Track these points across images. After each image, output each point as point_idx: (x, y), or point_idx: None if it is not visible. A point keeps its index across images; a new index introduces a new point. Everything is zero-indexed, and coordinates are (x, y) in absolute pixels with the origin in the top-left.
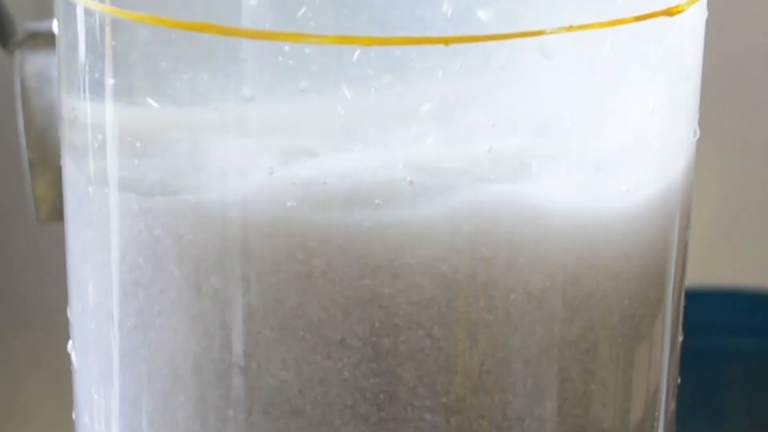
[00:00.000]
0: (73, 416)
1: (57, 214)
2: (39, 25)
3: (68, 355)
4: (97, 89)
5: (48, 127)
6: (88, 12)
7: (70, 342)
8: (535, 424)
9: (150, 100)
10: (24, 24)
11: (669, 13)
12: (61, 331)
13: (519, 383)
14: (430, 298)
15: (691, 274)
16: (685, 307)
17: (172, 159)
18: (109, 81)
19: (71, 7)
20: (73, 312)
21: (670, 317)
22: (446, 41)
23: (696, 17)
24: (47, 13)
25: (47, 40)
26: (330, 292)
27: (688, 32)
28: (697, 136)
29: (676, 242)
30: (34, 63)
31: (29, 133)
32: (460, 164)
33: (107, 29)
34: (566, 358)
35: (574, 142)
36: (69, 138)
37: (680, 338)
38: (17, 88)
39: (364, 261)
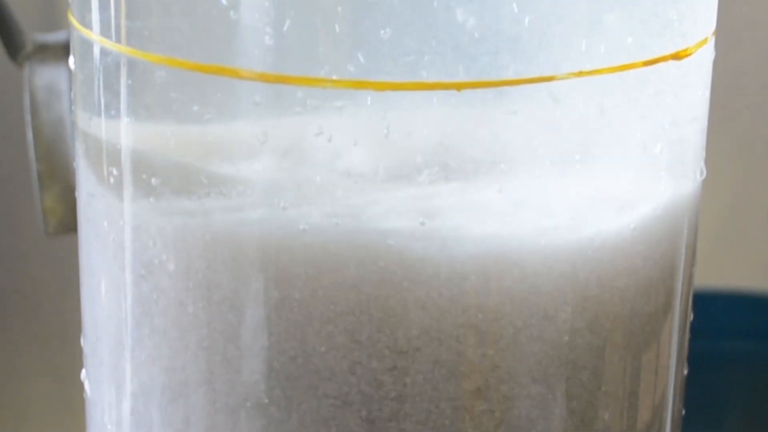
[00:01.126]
0: None
1: (65, 226)
2: (48, 37)
3: (73, 366)
4: (112, 126)
5: (57, 140)
6: (104, 51)
7: (83, 371)
8: None
9: (166, 133)
10: (33, 35)
11: (677, 56)
12: (66, 339)
13: (526, 403)
14: (436, 334)
15: (697, 277)
16: None
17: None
18: (125, 120)
19: (87, 45)
20: (87, 341)
21: (676, 340)
22: (458, 87)
23: (704, 59)
24: (55, 23)
25: (56, 52)
26: (336, 328)
27: (696, 74)
28: (704, 176)
29: (682, 275)
30: (43, 75)
31: (38, 145)
32: (470, 203)
33: (123, 68)
34: (573, 377)
35: (583, 179)
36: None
37: (685, 368)
38: (26, 100)
39: (373, 297)
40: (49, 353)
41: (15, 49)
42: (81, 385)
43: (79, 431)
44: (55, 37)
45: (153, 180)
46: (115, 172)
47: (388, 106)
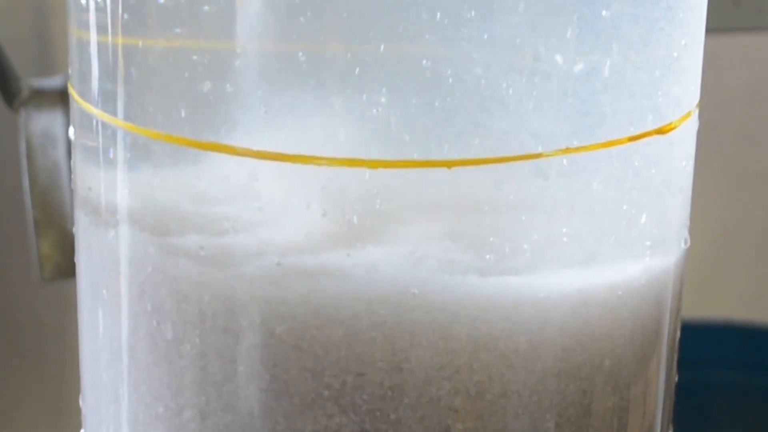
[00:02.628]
0: None
1: (61, 272)
2: (43, 83)
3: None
4: (111, 200)
5: (52, 187)
6: (104, 125)
7: (82, 431)
8: None
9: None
10: (28, 81)
11: (661, 131)
12: (64, 393)
13: None
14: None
15: (684, 308)
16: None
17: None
18: (123, 192)
19: (87, 117)
20: (86, 403)
21: (662, 389)
22: (449, 164)
23: (688, 131)
24: (50, 66)
25: (52, 98)
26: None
27: (680, 147)
28: (688, 245)
29: (666, 336)
30: (38, 122)
31: (34, 192)
32: (467, 260)
33: (120, 142)
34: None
35: (570, 249)
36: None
37: (671, 411)
38: (22, 147)
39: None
40: (47, 407)
41: (11, 95)
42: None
43: None
44: (50, 82)
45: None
46: (114, 233)
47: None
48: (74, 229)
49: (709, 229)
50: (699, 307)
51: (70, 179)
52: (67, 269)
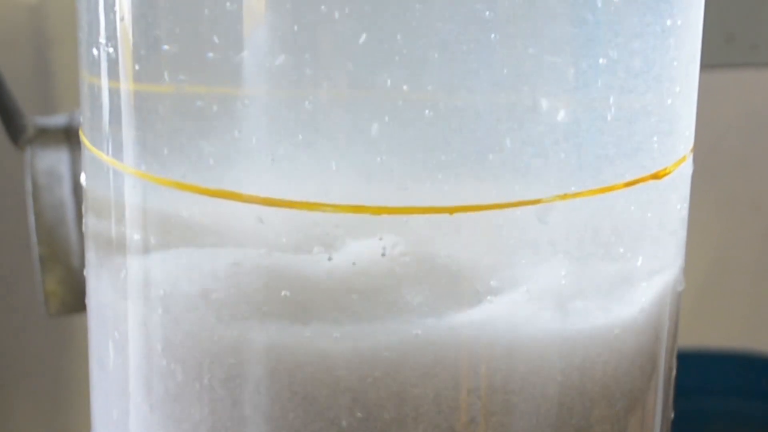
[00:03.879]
0: None
1: (67, 308)
2: (48, 121)
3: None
4: (121, 245)
5: (58, 223)
6: (116, 173)
7: None
8: None
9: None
10: (33, 120)
11: (657, 176)
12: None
13: None
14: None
15: (681, 336)
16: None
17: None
18: (134, 236)
19: (99, 164)
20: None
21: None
22: (450, 211)
23: (682, 175)
24: (52, 105)
25: (56, 136)
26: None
27: (674, 191)
28: (682, 288)
29: (662, 374)
30: (44, 160)
31: (40, 229)
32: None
33: (133, 190)
34: None
35: (568, 289)
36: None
37: None
38: (28, 184)
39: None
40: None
41: (16, 133)
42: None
43: None
44: (55, 121)
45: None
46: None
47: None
48: (85, 271)
49: (705, 258)
50: (696, 335)
51: (75, 216)
52: (72, 305)
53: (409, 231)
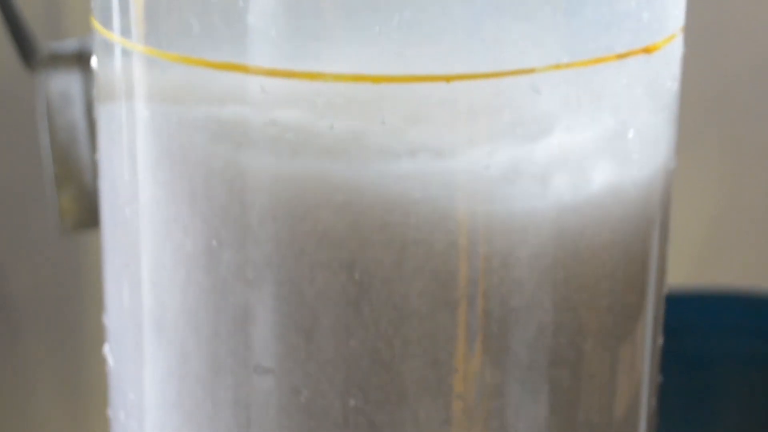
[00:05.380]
0: (109, 414)
1: (80, 225)
2: (60, 46)
3: (80, 365)
4: (132, 123)
5: (71, 143)
6: (125, 51)
7: (106, 344)
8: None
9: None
10: (46, 45)
11: (647, 50)
12: (76, 346)
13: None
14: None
15: (688, 276)
16: (680, 310)
17: None
18: (144, 113)
19: (108, 46)
20: (109, 315)
21: (651, 314)
22: (448, 79)
23: (673, 53)
24: (60, 31)
25: (68, 60)
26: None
27: (665, 67)
28: (674, 166)
29: (653, 253)
30: (56, 83)
31: (54, 149)
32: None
33: (142, 68)
34: (556, 346)
35: (560, 160)
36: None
37: (661, 339)
38: (41, 106)
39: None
40: (58, 361)
41: (29, 57)
42: (90, 394)
43: None
44: (67, 46)
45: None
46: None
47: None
48: (96, 155)
49: (714, 200)
50: (704, 277)
51: (87, 136)
52: (86, 222)
53: (408, 100)
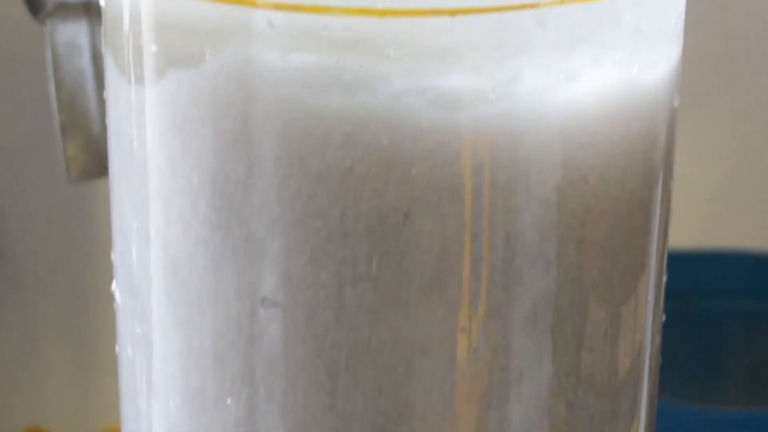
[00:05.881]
0: (116, 350)
1: (87, 174)
2: None
3: (86, 320)
4: (138, 57)
5: (78, 92)
6: None
7: (114, 282)
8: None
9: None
10: None
11: None
12: (85, 301)
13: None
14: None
15: (698, 237)
16: (689, 270)
17: None
18: (152, 47)
19: None
20: (117, 253)
21: (656, 250)
22: (453, 13)
23: None
24: None
25: (76, 9)
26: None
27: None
28: (679, 102)
29: (661, 153)
30: (64, 32)
31: (60, 97)
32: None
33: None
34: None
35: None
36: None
37: (665, 277)
38: (48, 55)
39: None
40: (66, 317)
41: (37, 8)
42: (97, 347)
43: (96, 393)
44: None
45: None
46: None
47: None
48: (104, 94)
49: (724, 161)
50: (715, 237)
51: (95, 85)
52: (93, 170)
53: (413, 34)
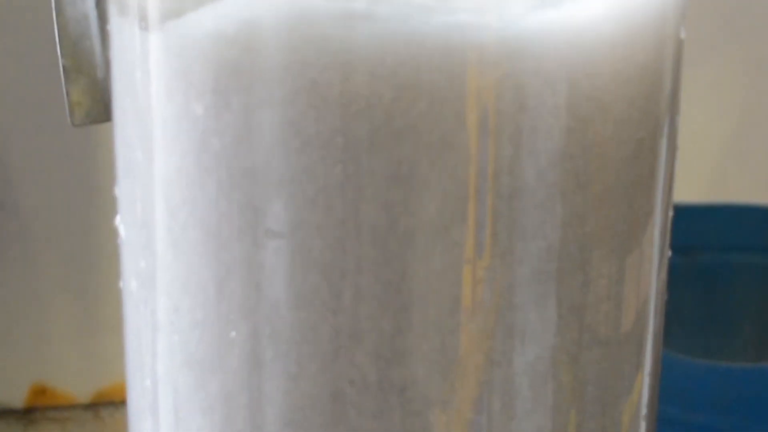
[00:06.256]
0: (120, 285)
1: (91, 118)
2: None
3: (91, 276)
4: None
5: (82, 36)
6: None
7: (118, 216)
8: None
9: None
10: None
11: None
12: (88, 256)
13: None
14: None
15: (707, 192)
16: (697, 225)
17: None
18: None
19: None
20: (120, 186)
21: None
22: None
23: None
24: None
25: None
26: None
27: None
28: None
29: (669, 73)
30: None
31: (64, 41)
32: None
33: None
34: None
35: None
36: None
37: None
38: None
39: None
40: (70, 271)
41: None
42: (103, 303)
43: (101, 350)
44: None
45: None
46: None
47: None
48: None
49: (733, 115)
50: (724, 192)
51: (98, 30)
52: (96, 115)
53: None
